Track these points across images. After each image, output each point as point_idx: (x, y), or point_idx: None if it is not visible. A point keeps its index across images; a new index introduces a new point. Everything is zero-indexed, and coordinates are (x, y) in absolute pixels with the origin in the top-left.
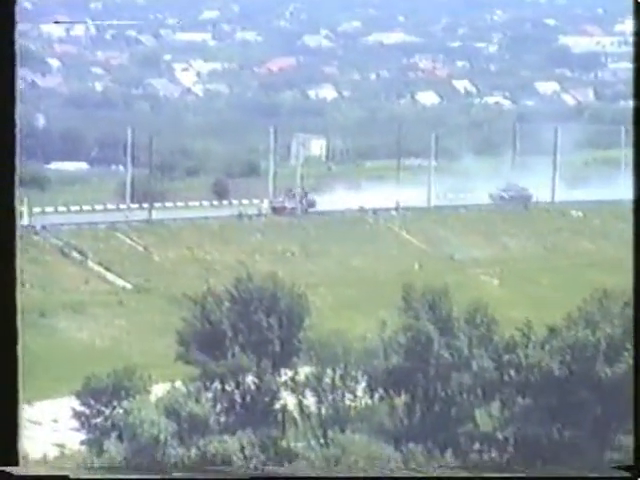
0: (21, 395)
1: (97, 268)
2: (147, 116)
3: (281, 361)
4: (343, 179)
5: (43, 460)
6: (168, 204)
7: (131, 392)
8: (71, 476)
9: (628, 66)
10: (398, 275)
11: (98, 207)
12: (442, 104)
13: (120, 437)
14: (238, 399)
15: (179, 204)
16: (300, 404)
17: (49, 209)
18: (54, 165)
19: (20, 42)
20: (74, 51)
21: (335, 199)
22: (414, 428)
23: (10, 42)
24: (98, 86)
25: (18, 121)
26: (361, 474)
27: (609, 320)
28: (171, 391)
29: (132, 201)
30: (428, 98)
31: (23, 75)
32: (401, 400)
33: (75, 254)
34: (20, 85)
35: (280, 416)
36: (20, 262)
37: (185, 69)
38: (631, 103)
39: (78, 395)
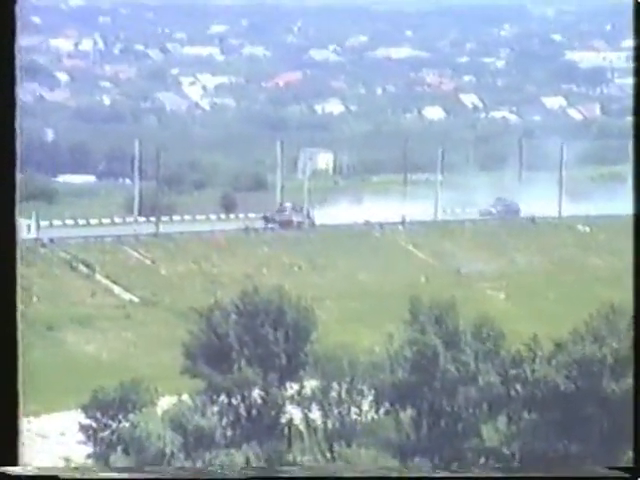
0: (21, 395)
1: (104, 281)
2: (155, 130)
3: (287, 375)
4: (349, 193)
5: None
6: (175, 217)
7: (137, 405)
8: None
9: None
10: (404, 289)
11: (105, 220)
12: (449, 119)
13: (126, 450)
14: (244, 413)
15: (186, 217)
16: (306, 418)
17: (57, 222)
18: (62, 178)
19: (29, 56)
20: (82, 65)
21: (341, 213)
22: (420, 442)
23: (10, 53)
24: (106, 100)
25: (19, 132)
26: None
27: (616, 335)
28: (177, 404)
29: (139, 214)
30: (435, 113)
31: (32, 89)
32: (407, 414)
33: (82, 267)
34: (29, 99)
35: (286, 430)
36: (28, 275)
37: (193, 83)
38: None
39: (85, 408)
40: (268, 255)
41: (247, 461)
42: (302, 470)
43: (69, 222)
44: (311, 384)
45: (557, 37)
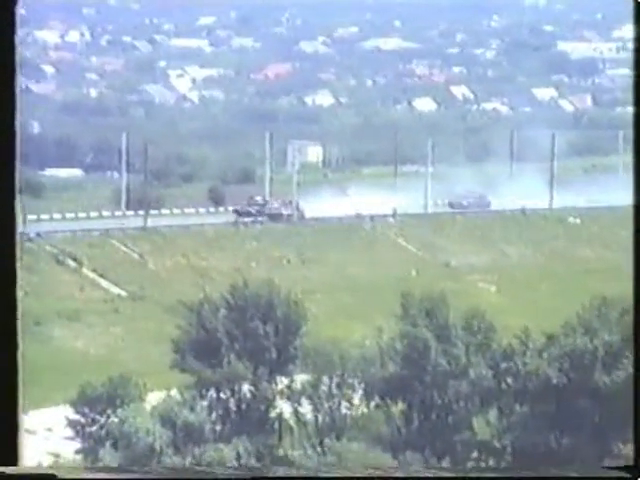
0: (21, 395)
1: (92, 275)
2: (142, 122)
3: (277, 369)
4: (339, 185)
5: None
6: (164, 211)
7: (126, 400)
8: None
9: (626, 72)
10: (395, 282)
11: (93, 214)
12: (439, 110)
13: (115, 445)
14: (234, 407)
15: (175, 211)
16: (296, 412)
17: (44, 216)
18: (49, 172)
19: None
20: (69, 57)
21: (331, 206)
22: (411, 436)
23: (10, 48)
24: (93, 92)
25: (18, 127)
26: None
27: (607, 327)
28: (166, 399)
29: (127, 208)
30: (425, 104)
31: (18, 82)
32: (398, 408)
33: (70, 261)
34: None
35: (276, 424)
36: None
37: (181, 75)
38: (629, 109)
39: (73, 403)
40: (257, 249)
41: (237, 456)
42: (297, 470)
43: (56, 216)
44: (301, 378)
45: (548, 28)
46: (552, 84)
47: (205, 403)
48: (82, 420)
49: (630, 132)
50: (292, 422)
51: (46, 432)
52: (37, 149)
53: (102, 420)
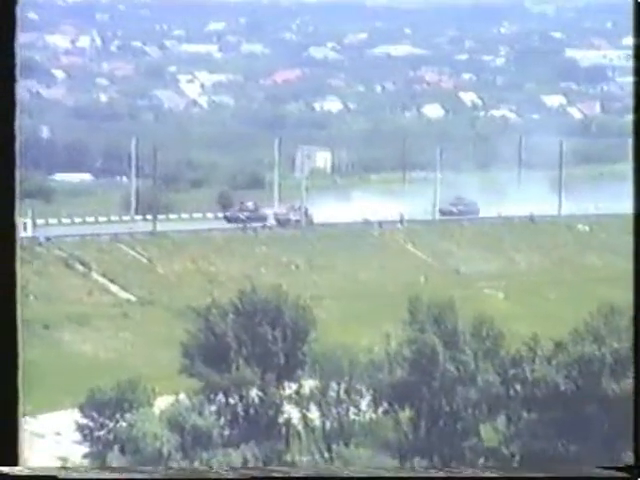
0: (21, 394)
1: (101, 280)
2: (152, 128)
3: (285, 374)
4: (348, 191)
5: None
6: (172, 216)
7: (134, 405)
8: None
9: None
10: (403, 288)
11: (102, 219)
12: (448, 117)
13: (123, 450)
14: (242, 412)
15: (183, 216)
16: (304, 418)
17: (53, 221)
18: (58, 176)
19: (25, 53)
20: (79, 62)
21: (339, 211)
22: (419, 442)
23: (10, 51)
24: (103, 97)
25: (19, 131)
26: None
27: (616, 335)
28: (174, 404)
29: (136, 213)
30: (434, 111)
31: (28, 86)
32: (406, 414)
33: (79, 266)
34: (25, 96)
35: (284, 430)
36: (24, 274)
37: (190, 81)
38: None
39: (81, 408)
40: (266, 254)
41: (245, 461)
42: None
43: (65, 220)
44: (309, 384)
45: (557, 35)
46: (561, 91)
47: (213, 408)
48: (90, 424)
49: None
50: (300, 428)
51: (55, 436)
52: (47, 154)
53: (110, 424)
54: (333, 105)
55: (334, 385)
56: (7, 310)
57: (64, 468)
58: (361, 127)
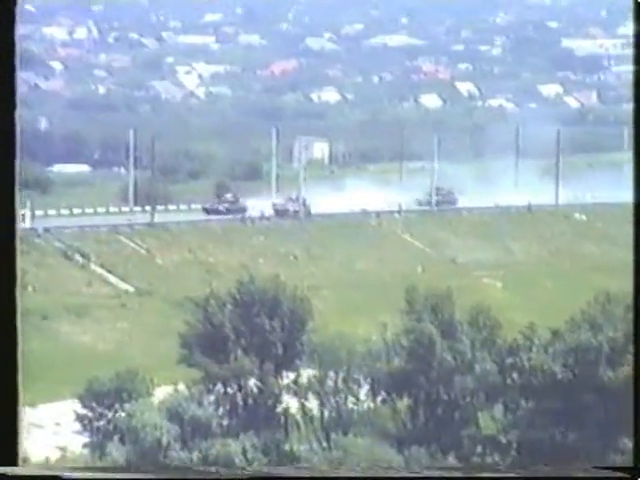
0: (21, 394)
1: (100, 271)
2: (150, 119)
3: (284, 364)
4: (345, 182)
5: (45, 463)
6: (171, 207)
7: (133, 395)
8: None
9: (631, 69)
10: (401, 278)
11: (100, 210)
12: (445, 107)
13: (122, 440)
14: (241, 402)
15: (182, 207)
16: (303, 407)
17: (52, 212)
18: (57, 168)
19: (23, 45)
20: (77, 54)
21: (337, 202)
22: (417, 431)
23: (10, 43)
24: (101, 89)
25: (18, 122)
26: (361, 474)
27: (612, 323)
28: (173, 394)
29: (135, 204)
30: (431, 101)
31: (26, 78)
32: (404, 403)
33: (78, 257)
34: (23, 88)
35: (283, 419)
36: (22, 265)
37: (188, 72)
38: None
39: (81, 398)
40: (264, 244)
41: (244, 451)
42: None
43: (64, 212)
44: (308, 373)
45: (553, 24)
46: (557, 81)
47: (212, 398)
48: (90, 414)
49: None
50: (298, 417)
51: (54, 426)
52: (45, 145)
53: (110, 414)
54: (330, 95)
55: (332, 374)
56: (7, 301)
57: (66, 468)
58: (358, 117)
